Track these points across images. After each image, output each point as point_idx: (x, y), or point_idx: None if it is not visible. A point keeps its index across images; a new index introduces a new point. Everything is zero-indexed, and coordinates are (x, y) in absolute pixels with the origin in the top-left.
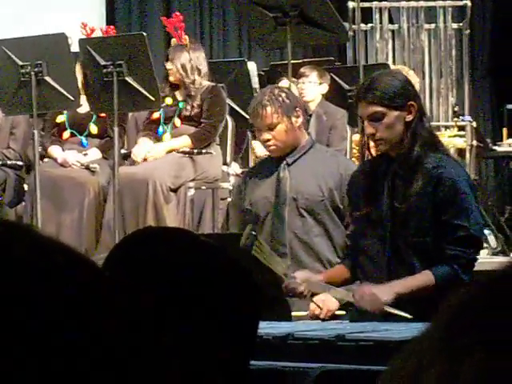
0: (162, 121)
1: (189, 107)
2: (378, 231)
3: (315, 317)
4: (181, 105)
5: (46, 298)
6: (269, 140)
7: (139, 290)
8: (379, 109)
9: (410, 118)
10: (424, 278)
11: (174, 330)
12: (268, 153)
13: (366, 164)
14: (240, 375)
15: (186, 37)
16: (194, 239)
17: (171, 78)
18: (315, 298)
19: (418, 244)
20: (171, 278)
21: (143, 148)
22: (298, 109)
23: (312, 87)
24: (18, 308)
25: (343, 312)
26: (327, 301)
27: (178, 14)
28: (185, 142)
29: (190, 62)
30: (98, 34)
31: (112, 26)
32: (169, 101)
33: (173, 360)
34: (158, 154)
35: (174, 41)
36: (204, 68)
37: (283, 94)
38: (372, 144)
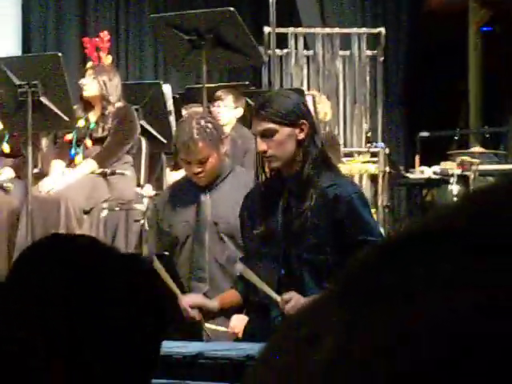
0: (74, 143)
1: (100, 129)
2: (271, 250)
3: (235, 336)
4: (92, 126)
5: None
6: (200, 173)
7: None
8: (271, 125)
9: (301, 136)
10: None
11: (67, 339)
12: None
13: (260, 184)
14: None
15: (110, 56)
16: (96, 244)
17: (86, 94)
18: (235, 317)
19: (312, 261)
20: (67, 283)
21: (47, 183)
22: (222, 137)
23: (227, 111)
24: None
25: None
26: (244, 321)
27: (105, 33)
28: (91, 167)
29: (110, 81)
30: None
31: None
32: (81, 123)
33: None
34: (63, 186)
35: (90, 63)
36: (119, 91)
37: (210, 125)
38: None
